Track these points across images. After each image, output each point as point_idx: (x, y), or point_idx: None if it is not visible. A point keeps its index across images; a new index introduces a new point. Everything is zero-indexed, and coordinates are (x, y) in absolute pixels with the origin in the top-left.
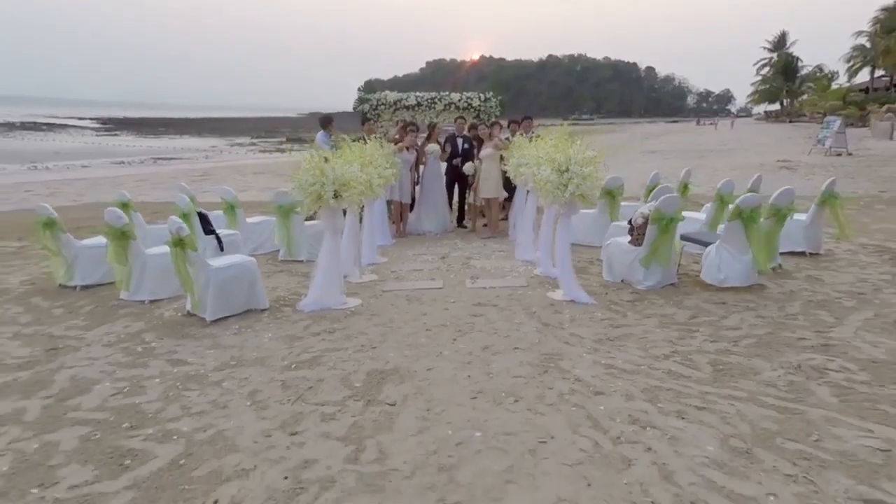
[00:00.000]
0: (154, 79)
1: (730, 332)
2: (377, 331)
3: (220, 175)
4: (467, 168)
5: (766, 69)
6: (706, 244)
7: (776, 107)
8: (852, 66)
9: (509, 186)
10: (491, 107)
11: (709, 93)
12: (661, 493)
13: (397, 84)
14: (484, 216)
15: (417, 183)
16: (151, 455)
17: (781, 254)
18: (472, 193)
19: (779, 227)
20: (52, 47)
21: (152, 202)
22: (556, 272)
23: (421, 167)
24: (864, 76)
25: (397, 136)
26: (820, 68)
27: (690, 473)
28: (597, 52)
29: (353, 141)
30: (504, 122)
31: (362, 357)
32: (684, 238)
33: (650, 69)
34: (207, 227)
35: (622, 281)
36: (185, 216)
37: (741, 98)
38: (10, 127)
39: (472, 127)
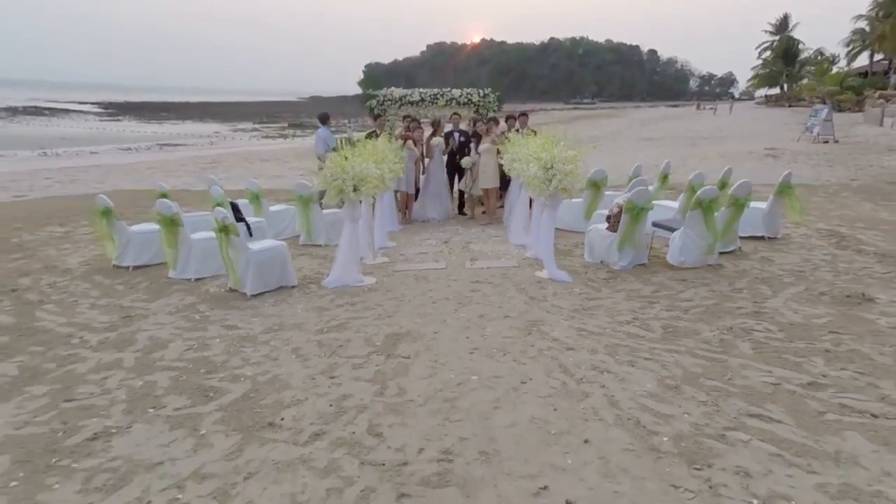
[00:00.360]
0: (151, 61)
1: (683, 303)
2: (391, 303)
3: (228, 163)
4: (465, 162)
5: (768, 53)
6: (673, 230)
7: (776, 91)
8: (852, 49)
9: (505, 178)
10: (489, 102)
11: (711, 76)
12: (607, 414)
13: (398, 67)
14: (482, 205)
15: (424, 174)
16: (227, 391)
17: (742, 238)
18: (463, 181)
19: (738, 214)
20: (49, 29)
21: (170, 190)
22: (541, 254)
23: (426, 160)
24: (863, 60)
25: (405, 133)
26: (820, 52)
27: (631, 402)
28: (599, 35)
29: (366, 137)
30: (501, 119)
31: (380, 323)
32: (655, 225)
33: (652, 52)
34: (238, 215)
35: (601, 262)
36: (219, 205)
37: (744, 82)
38: (13, 112)
39: (474, 123)
